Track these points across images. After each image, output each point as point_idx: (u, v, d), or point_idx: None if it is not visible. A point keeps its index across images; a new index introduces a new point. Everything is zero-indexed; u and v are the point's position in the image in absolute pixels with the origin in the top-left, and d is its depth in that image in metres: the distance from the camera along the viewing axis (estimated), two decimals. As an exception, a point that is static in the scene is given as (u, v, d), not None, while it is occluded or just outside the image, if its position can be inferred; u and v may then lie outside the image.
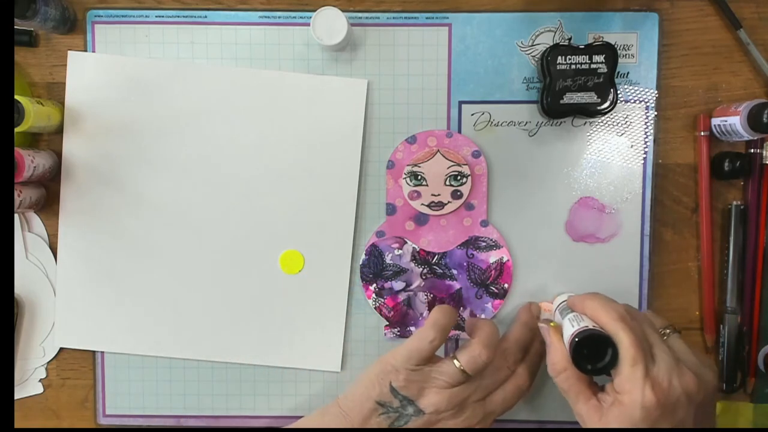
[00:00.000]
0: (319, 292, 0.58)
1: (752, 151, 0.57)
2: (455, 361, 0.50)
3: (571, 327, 0.46)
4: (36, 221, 0.59)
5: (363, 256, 0.58)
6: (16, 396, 0.60)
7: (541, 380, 0.58)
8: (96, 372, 0.60)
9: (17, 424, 0.60)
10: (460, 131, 0.58)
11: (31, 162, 0.54)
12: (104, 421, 0.60)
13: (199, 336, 0.59)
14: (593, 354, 0.45)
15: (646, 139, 0.57)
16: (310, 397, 0.59)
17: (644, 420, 0.43)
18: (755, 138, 0.55)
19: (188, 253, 0.58)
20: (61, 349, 0.60)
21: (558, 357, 0.48)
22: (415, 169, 0.57)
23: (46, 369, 0.60)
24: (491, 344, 0.50)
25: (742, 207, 0.57)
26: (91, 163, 0.58)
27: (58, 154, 0.58)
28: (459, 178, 0.57)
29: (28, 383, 0.60)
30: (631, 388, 0.44)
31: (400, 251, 0.58)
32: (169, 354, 0.59)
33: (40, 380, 0.60)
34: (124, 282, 0.59)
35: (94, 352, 0.60)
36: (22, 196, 0.55)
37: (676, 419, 0.44)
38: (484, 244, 0.58)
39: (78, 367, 0.60)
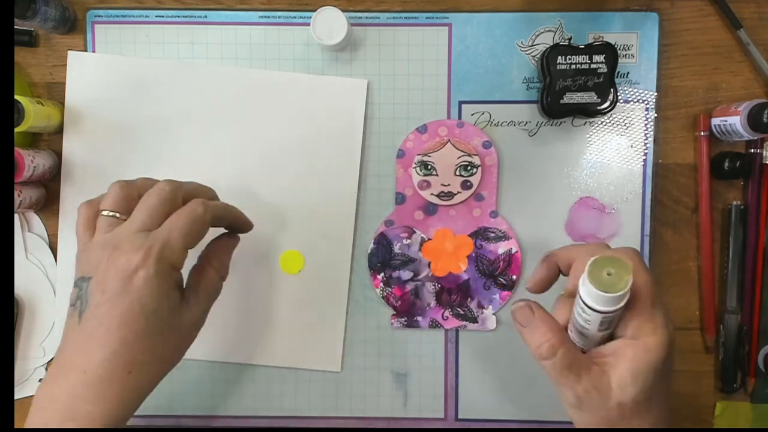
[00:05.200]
0: (319, 292, 0.58)
1: (752, 151, 0.57)
2: (103, 213, 0.47)
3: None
4: (36, 221, 0.59)
5: (371, 245, 0.58)
6: (16, 396, 0.60)
7: (539, 381, 0.58)
8: (96, 372, 0.60)
9: (17, 424, 0.60)
10: (460, 131, 0.58)
11: (31, 162, 0.54)
12: (104, 421, 0.60)
13: (198, 336, 0.59)
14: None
15: (646, 139, 0.57)
16: (310, 397, 0.59)
17: (665, 361, 0.40)
18: (755, 138, 0.55)
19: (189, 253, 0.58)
20: (61, 349, 0.60)
21: (546, 334, 0.41)
22: (425, 158, 0.57)
23: (46, 369, 0.60)
24: (127, 182, 0.48)
25: (742, 207, 0.57)
26: (91, 163, 0.58)
27: (58, 154, 0.58)
28: (469, 168, 0.57)
29: (28, 383, 0.60)
30: (654, 329, 0.39)
31: (409, 241, 0.58)
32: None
33: (40, 380, 0.60)
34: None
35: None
36: (22, 196, 0.55)
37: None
38: (492, 235, 0.58)
39: (78, 367, 0.60)
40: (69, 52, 0.58)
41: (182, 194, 0.48)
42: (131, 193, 0.48)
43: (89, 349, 0.43)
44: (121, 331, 0.43)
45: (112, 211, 0.47)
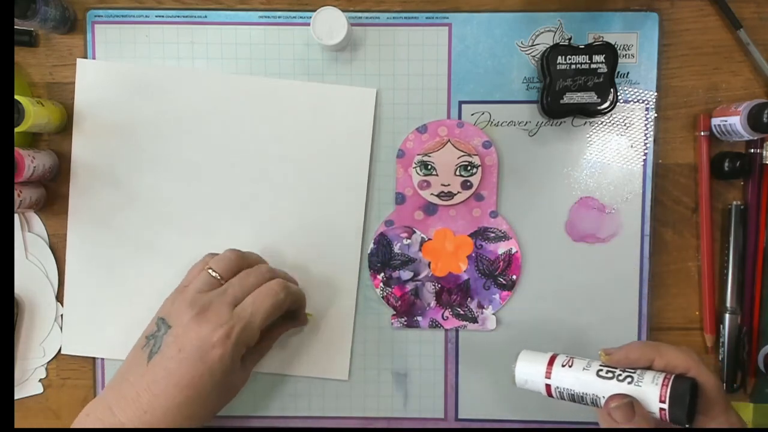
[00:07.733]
0: (327, 300, 0.58)
1: (752, 151, 0.57)
2: (208, 270, 0.51)
3: (649, 383, 0.43)
4: (36, 221, 0.59)
5: (371, 245, 0.58)
6: (16, 396, 0.60)
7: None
8: (96, 372, 0.60)
9: (17, 424, 0.60)
10: (460, 131, 0.58)
11: (31, 162, 0.54)
12: (104, 421, 0.60)
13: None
14: (683, 403, 0.42)
15: (646, 139, 0.57)
16: (310, 397, 0.59)
17: None
18: (755, 138, 0.55)
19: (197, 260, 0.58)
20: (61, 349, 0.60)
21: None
22: (426, 158, 0.57)
23: (46, 369, 0.60)
24: (242, 253, 0.52)
25: (742, 207, 0.57)
26: (99, 166, 0.58)
27: (58, 154, 0.58)
28: (469, 168, 0.57)
29: (28, 383, 0.60)
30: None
31: (409, 241, 0.58)
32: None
33: (40, 380, 0.60)
34: (134, 291, 0.58)
35: (94, 352, 0.60)
36: (22, 196, 0.55)
37: None
38: (492, 235, 0.58)
39: (78, 367, 0.60)
40: (78, 60, 0.57)
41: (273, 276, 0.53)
42: (241, 264, 0.52)
43: (154, 395, 0.47)
44: (189, 390, 0.47)
45: (215, 271, 0.51)
